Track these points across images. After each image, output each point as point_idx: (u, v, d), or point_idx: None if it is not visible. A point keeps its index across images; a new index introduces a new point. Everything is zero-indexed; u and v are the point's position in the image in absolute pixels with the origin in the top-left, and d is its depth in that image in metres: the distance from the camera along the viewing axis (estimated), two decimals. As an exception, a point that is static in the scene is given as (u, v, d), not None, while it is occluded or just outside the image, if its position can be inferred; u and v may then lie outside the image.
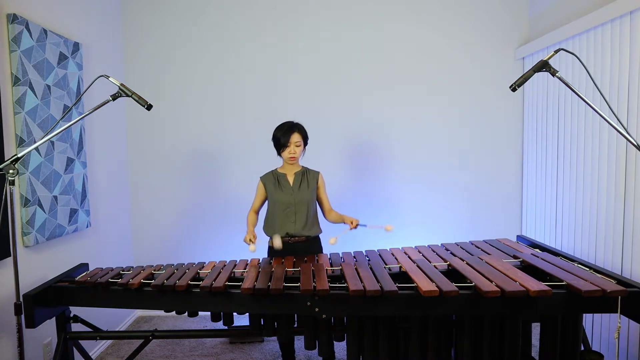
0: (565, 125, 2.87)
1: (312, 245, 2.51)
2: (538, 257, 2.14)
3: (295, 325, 2.02)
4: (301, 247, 2.45)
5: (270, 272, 2.04)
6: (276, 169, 2.57)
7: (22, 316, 1.83)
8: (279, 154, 2.49)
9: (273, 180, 2.52)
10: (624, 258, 2.31)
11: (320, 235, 2.57)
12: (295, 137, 2.43)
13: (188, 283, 1.95)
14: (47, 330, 2.41)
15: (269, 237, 2.49)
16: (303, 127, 2.50)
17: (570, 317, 1.87)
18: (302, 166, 2.57)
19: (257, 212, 2.60)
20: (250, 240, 2.32)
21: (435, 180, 3.54)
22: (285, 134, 2.42)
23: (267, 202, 2.57)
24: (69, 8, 2.73)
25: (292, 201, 2.45)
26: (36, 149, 2.30)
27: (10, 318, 2.14)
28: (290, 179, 2.51)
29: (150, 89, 3.48)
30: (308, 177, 2.54)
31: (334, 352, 2.45)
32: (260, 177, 2.56)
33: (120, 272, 2.18)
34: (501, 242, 2.47)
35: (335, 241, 2.27)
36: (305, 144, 2.51)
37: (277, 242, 2.27)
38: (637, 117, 2.22)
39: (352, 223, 2.41)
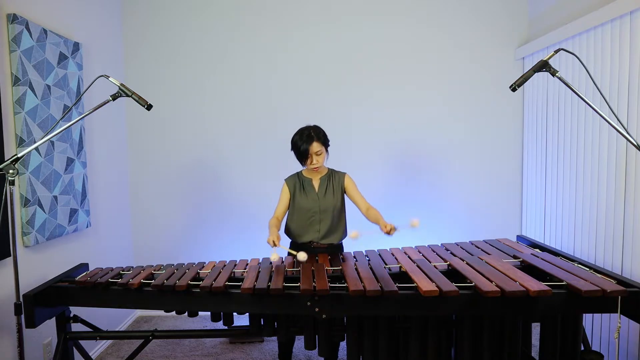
0: (565, 125, 2.87)
1: (334, 252, 2.40)
2: (538, 257, 2.14)
3: (296, 325, 2.01)
4: (322, 253, 2.36)
5: (270, 272, 2.05)
6: (301, 172, 2.45)
7: (22, 316, 1.83)
8: (301, 163, 2.35)
9: (298, 184, 2.40)
10: (624, 258, 2.31)
11: (343, 241, 2.47)
12: (315, 147, 2.27)
13: (188, 283, 1.95)
14: (47, 330, 2.41)
15: (290, 240, 2.44)
16: (321, 132, 2.34)
17: (570, 317, 1.87)
18: (328, 168, 2.45)
19: (280, 220, 2.38)
20: (274, 242, 2.11)
21: (435, 180, 3.54)
22: (304, 144, 2.26)
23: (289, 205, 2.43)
24: (69, 8, 2.73)
25: (317, 209, 2.34)
26: (36, 149, 2.30)
27: (10, 318, 2.14)
28: (316, 185, 2.40)
29: (150, 89, 3.48)
30: (334, 181, 2.40)
31: (337, 352, 2.45)
32: (285, 180, 2.43)
33: (120, 272, 2.18)
34: (501, 242, 2.47)
35: (357, 235, 2.12)
36: (327, 147, 2.37)
37: (302, 257, 2.09)
38: (637, 117, 2.21)
39: (385, 227, 2.09)
